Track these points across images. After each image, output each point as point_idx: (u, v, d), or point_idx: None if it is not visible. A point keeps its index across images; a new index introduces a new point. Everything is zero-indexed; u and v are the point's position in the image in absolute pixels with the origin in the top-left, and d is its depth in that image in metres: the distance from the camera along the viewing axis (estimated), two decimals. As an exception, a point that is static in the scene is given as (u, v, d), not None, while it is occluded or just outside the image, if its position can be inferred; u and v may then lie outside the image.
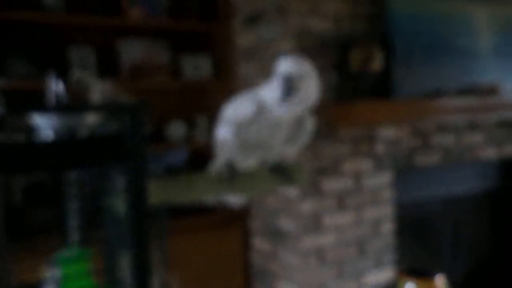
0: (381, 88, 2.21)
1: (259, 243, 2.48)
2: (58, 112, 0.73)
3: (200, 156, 2.51)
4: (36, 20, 2.18)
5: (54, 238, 0.99)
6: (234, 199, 1.10)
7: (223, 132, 1.02)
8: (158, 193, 0.80)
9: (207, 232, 2.42)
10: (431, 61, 2.34)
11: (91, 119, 0.78)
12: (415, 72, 2.28)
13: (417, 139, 2.45)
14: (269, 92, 0.97)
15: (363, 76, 2.10)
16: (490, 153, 2.70)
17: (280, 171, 1.03)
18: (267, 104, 0.97)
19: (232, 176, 0.95)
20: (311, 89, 0.96)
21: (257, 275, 2.52)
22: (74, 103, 0.75)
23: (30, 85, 2.03)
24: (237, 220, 2.52)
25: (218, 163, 1.04)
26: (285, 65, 0.95)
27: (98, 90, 0.82)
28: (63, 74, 0.91)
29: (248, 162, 1.04)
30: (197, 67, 2.58)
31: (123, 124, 0.72)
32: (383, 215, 2.39)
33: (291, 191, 2.20)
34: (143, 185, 0.72)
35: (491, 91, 2.42)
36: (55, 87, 0.75)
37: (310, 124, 1.04)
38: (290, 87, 0.93)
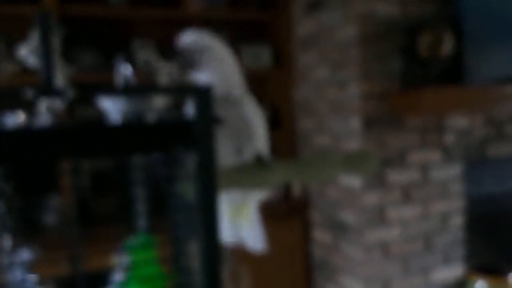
0: (452, 74, 2.07)
1: (320, 235, 2.43)
2: (126, 95, 0.72)
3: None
4: (100, 15, 2.23)
5: (121, 226, 1.00)
6: (255, 243, 1.01)
7: None
8: (228, 179, 0.77)
9: (268, 223, 2.39)
10: (505, 44, 2.17)
11: (159, 102, 0.77)
12: (488, 56, 2.13)
13: (490, 128, 2.30)
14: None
15: (432, 61, 1.98)
16: None
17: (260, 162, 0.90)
18: None
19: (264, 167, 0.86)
20: (222, 64, 0.87)
21: (318, 267, 2.47)
22: (142, 86, 0.73)
23: (97, 77, 2.08)
24: (297, 212, 2.48)
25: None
26: (184, 39, 0.88)
27: (166, 72, 0.80)
28: (129, 60, 0.91)
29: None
30: (257, 56, 2.55)
31: (191, 107, 0.70)
32: (452, 208, 2.26)
33: (353, 182, 2.12)
34: (212, 170, 0.69)
35: None
36: (123, 70, 0.75)
37: (250, 107, 0.92)
38: (187, 61, 0.85)
